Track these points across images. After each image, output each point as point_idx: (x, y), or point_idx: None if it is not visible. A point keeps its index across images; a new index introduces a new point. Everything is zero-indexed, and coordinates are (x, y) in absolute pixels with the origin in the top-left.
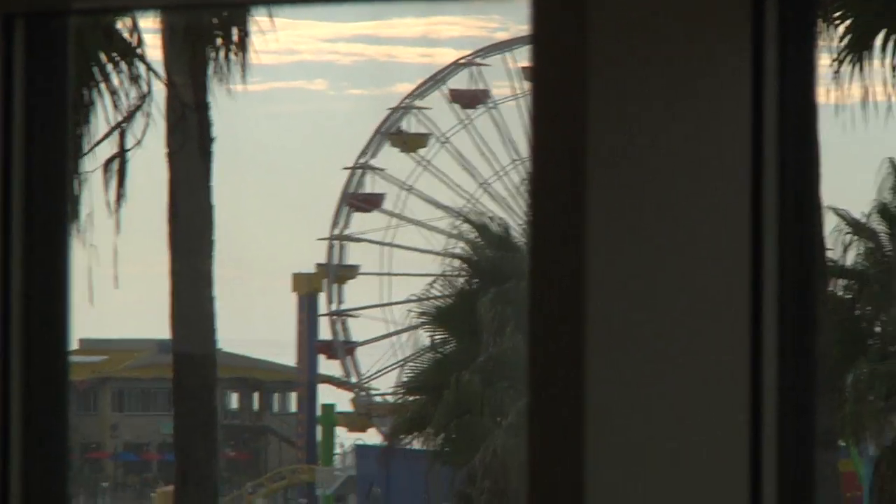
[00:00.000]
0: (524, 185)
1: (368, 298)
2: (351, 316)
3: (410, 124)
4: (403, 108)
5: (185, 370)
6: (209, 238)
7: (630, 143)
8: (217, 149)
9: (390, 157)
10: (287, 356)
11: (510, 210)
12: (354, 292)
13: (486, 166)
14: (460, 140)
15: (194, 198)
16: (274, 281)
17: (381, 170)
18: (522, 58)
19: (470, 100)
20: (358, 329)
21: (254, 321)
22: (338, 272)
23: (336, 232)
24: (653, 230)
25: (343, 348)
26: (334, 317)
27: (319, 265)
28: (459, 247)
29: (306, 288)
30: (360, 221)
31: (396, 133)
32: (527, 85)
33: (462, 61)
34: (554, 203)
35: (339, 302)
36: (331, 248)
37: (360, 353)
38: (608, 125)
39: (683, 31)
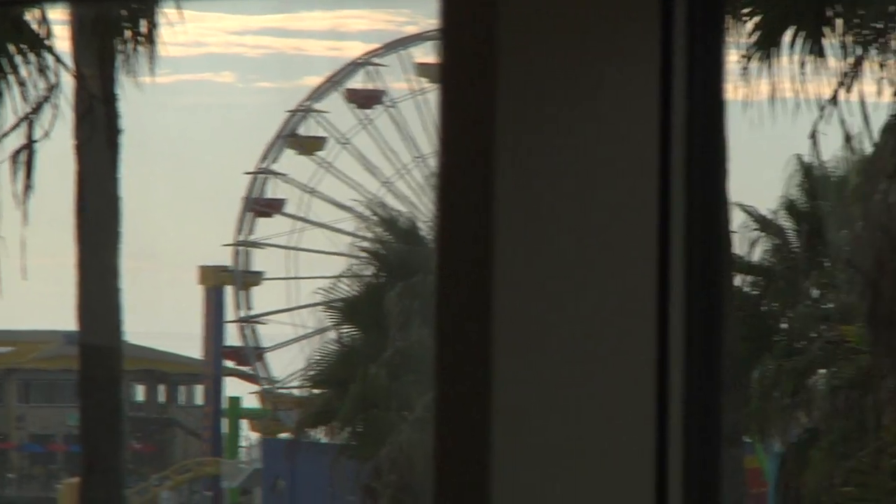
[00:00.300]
0: (430, 182)
1: (276, 302)
2: (260, 322)
3: (309, 127)
4: (302, 111)
5: (91, 362)
6: (116, 230)
7: (538, 139)
8: (125, 141)
9: (292, 161)
10: (194, 349)
11: (415, 207)
12: (262, 297)
13: (388, 165)
14: (361, 140)
15: (102, 190)
16: (181, 273)
17: (283, 175)
18: (419, 55)
19: (366, 99)
20: (267, 333)
21: (160, 313)
22: (244, 278)
23: (241, 237)
24: (560, 227)
25: (254, 354)
26: (243, 323)
27: (225, 270)
28: (366, 241)
29: (213, 280)
30: (265, 226)
31: (293, 136)
32: (424, 81)
33: (359, 61)
34: (462, 200)
35: (248, 308)
36: (236, 254)
37: (271, 357)
38: (517, 122)
39: (592, 27)
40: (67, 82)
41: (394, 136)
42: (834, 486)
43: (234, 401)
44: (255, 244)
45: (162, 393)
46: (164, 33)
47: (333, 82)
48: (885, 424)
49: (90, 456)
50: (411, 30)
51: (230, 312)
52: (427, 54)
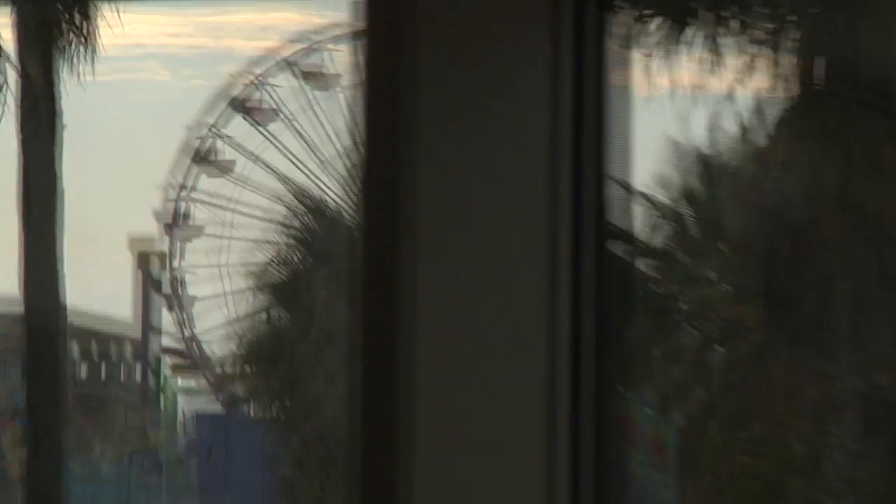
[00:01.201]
0: (350, 174)
1: (213, 317)
2: (204, 340)
3: (218, 149)
4: (210, 135)
5: (36, 341)
6: (59, 214)
7: (450, 125)
8: (67, 135)
9: (208, 182)
10: (133, 329)
11: (334, 202)
12: (199, 314)
13: (297, 173)
14: (270, 154)
15: (45, 178)
16: (119, 257)
17: (202, 199)
18: (309, 66)
19: (261, 116)
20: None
21: (101, 295)
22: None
23: (174, 264)
24: (468, 208)
25: (203, 368)
26: (187, 340)
27: (160, 291)
28: (293, 231)
29: (146, 263)
30: (194, 250)
31: (204, 159)
32: (316, 91)
33: (255, 81)
34: (382, 187)
35: (190, 326)
36: (171, 281)
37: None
38: (431, 113)
39: (494, 23)
40: (14, 81)
41: (297, 146)
42: (730, 456)
43: (171, 378)
44: (188, 271)
45: (104, 369)
46: (105, 34)
47: (234, 103)
48: (778, 398)
49: (36, 430)
50: (334, 30)
51: (172, 328)
52: (314, 64)
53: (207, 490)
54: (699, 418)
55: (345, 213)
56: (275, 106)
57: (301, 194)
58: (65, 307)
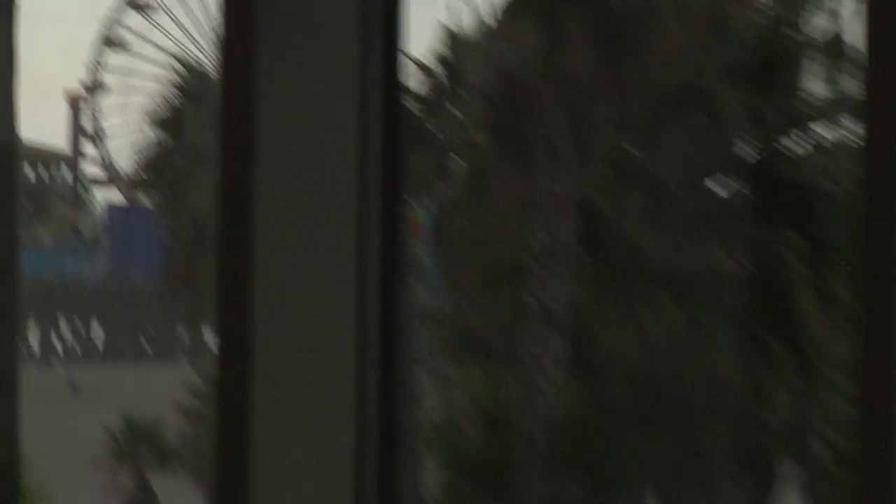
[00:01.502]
0: (213, 44)
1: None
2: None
3: (119, 33)
4: (111, 20)
5: None
6: (15, 69)
7: (284, 19)
8: (21, 13)
9: (115, 55)
10: (66, 150)
11: (203, 64)
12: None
13: (173, 46)
14: (156, 36)
15: (4, 44)
16: (52, 92)
17: (109, 64)
18: None
19: (141, 7)
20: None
21: (40, 120)
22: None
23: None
24: (295, 69)
25: (116, 176)
26: (103, 161)
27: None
28: (174, 83)
29: (74, 98)
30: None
31: (108, 40)
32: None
33: None
34: (236, 57)
35: (105, 148)
36: (90, 116)
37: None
38: (273, 21)
39: None
40: None
41: (174, 28)
42: (469, 233)
43: (88, 178)
44: (103, 114)
45: (44, 173)
46: None
47: (129, 2)
48: (504, 198)
49: None
50: None
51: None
52: None
53: (115, 256)
54: (446, 209)
55: (209, 71)
56: (158, 2)
57: (178, 59)
58: (17, 128)
